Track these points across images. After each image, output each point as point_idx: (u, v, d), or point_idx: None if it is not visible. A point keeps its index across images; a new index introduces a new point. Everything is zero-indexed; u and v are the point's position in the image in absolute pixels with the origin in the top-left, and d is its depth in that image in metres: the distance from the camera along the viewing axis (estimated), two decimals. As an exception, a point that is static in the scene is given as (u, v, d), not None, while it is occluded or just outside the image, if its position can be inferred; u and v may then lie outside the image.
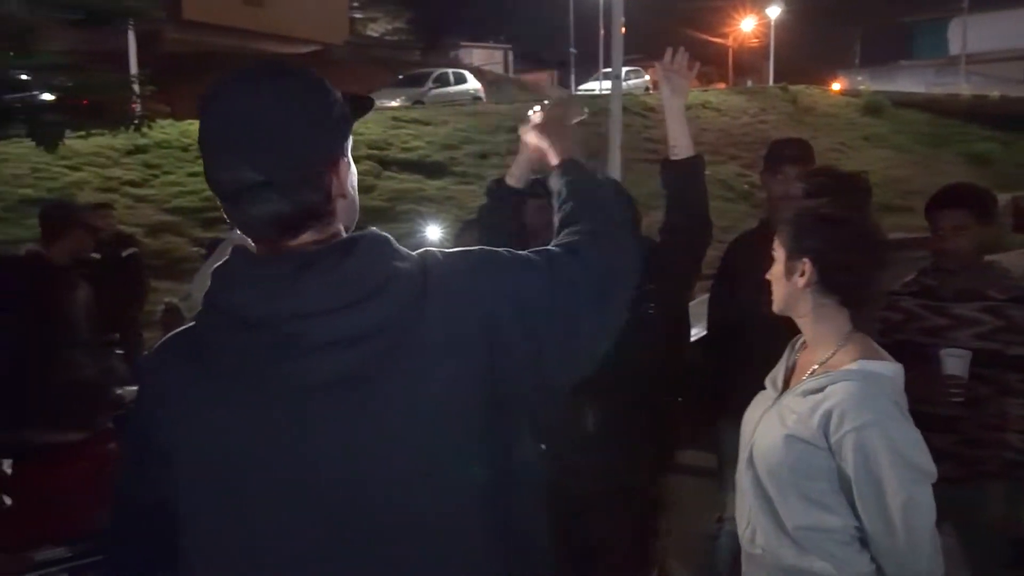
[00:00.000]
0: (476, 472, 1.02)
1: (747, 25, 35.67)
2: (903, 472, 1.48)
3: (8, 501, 1.75)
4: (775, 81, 27.76)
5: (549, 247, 1.17)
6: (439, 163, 13.17)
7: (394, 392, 0.98)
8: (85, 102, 6.99)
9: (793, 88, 24.01)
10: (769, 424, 1.66)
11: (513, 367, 1.04)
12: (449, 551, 1.00)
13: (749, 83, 29.69)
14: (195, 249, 9.00)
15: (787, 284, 1.67)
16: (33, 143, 7.19)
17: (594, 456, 2.24)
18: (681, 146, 2.21)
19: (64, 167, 10.49)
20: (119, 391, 3.55)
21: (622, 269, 1.20)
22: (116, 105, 7.24)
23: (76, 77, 7.00)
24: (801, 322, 1.70)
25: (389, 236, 1.07)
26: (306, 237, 1.03)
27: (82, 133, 7.87)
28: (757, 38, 35.46)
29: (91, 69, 7.12)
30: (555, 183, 1.37)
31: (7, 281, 2.83)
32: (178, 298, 6.49)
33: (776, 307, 1.72)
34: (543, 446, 2.32)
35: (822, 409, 1.55)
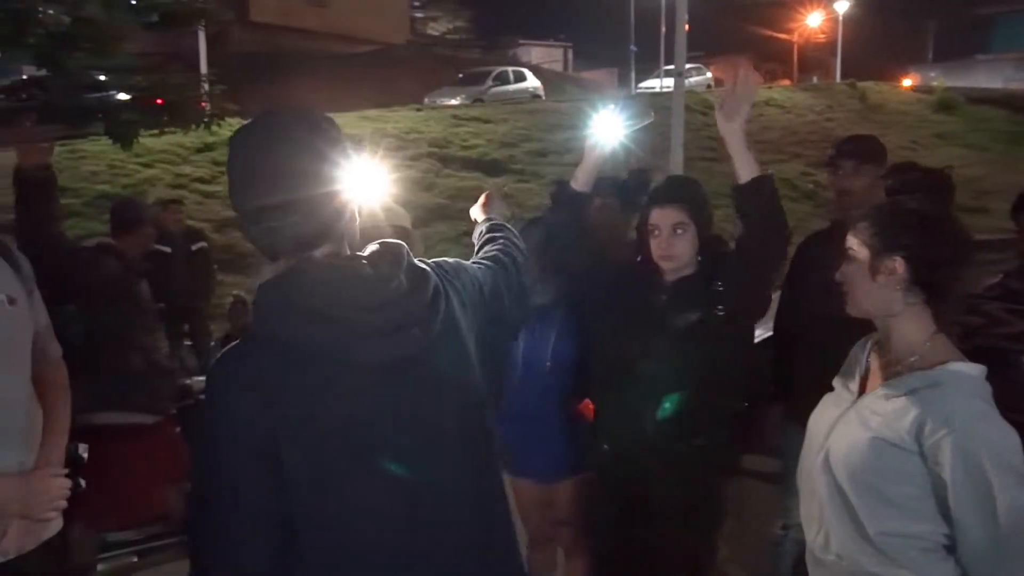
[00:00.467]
0: (479, 406, 1.41)
1: (813, 20, 34.77)
2: (1006, 475, 1.42)
3: (83, 484, 1.84)
4: (842, 78, 26.99)
5: (480, 260, 1.64)
6: (498, 161, 13.22)
7: (438, 364, 1.31)
8: (159, 101, 7.25)
9: (861, 85, 23.29)
10: (847, 427, 1.60)
11: (486, 327, 1.47)
12: (467, 461, 1.37)
13: (815, 80, 28.94)
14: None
15: (872, 284, 1.60)
16: (110, 141, 7.51)
17: (656, 459, 2.22)
18: (743, 170, 2.13)
19: (138, 164, 10.89)
20: (187, 380, 3.69)
21: (514, 270, 1.67)
22: (187, 104, 7.49)
23: (150, 78, 7.28)
24: (884, 322, 1.63)
25: (404, 244, 1.35)
26: (323, 251, 1.27)
27: (155, 131, 8.17)
28: (824, 33, 34.54)
29: (164, 70, 7.38)
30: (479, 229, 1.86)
31: (83, 270, 2.97)
32: (244, 291, 6.69)
33: (855, 308, 1.65)
34: (605, 446, 2.33)
35: (913, 412, 1.49)
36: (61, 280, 2.77)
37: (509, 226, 1.82)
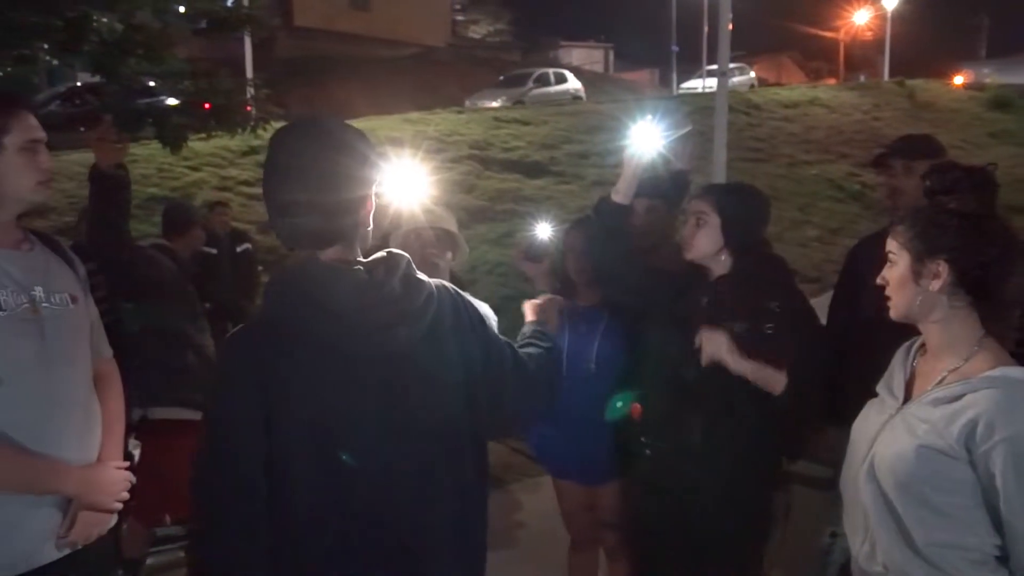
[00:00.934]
0: (457, 414, 1.51)
1: (860, 18, 34.09)
2: None
3: (134, 478, 1.90)
4: (890, 76, 26.38)
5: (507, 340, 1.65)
6: (538, 163, 13.21)
7: (420, 366, 1.43)
8: (206, 106, 7.41)
9: (910, 83, 22.75)
10: (893, 434, 1.56)
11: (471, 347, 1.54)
12: (437, 460, 1.48)
13: (862, 78, 28.36)
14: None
15: (915, 288, 1.56)
16: (159, 144, 7.69)
17: (701, 465, 2.20)
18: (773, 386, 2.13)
19: (186, 167, 11.15)
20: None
21: (532, 370, 1.65)
22: (234, 109, 7.64)
23: (199, 83, 7.45)
24: (929, 327, 1.59)
25: (406, 256, 1.47)
26: (332, 252, 1.41)
27: (202, 135, 8.35)
28: (871, 31, 33.85)
29: (212, 75, 7.55)
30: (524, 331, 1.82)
31: (143, 269, 3.07)
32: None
33: (898, 313, 1.61)
34: (648, 451, 2.31)
35: (963, 419, 1.45)
36: (123, 277, 2.87)
37: (553, 339, 1.79)
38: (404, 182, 2.13)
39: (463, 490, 1.51)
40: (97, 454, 1.80)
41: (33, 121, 1.71)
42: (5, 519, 1.62)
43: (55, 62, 7.14)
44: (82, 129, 11.60)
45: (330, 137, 1.38)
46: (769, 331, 2.16)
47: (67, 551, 1.71)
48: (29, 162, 1.69)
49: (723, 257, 2.26)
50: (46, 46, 6.15)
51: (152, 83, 7.84)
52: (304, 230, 1.39)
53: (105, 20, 6.64)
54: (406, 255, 1.47)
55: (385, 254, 1.45)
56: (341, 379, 1.38)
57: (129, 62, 6.65)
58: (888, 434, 1.58)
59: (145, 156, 10.99)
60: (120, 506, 1.82)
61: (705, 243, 2.26)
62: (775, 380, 2.10)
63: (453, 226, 2.42)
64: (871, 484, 1.57)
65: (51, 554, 1.69)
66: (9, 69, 6.13)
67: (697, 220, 2.26)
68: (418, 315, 1.43)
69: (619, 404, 2.52)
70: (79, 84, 14.25)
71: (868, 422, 1.66)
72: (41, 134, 1.72)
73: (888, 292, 1.62)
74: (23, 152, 1.67)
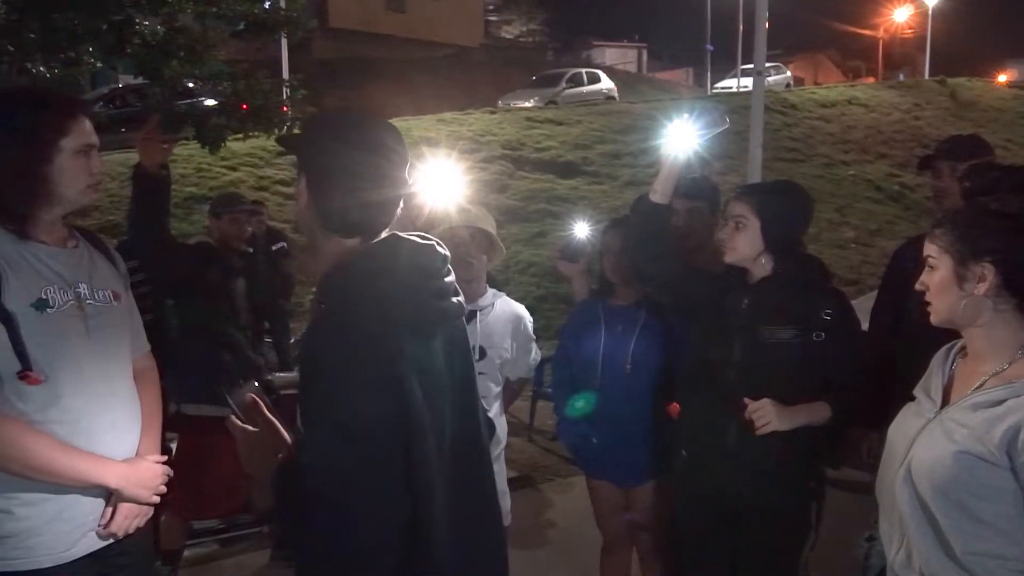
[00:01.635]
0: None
1: (901, 15, 33.44)
2: None
3: (171, 473, 1.94)
4: (931, 74, 25.84)
5: None
6: (571, 163, 13.19)
7: (463, 335, 1.55)
8: (244, 107, 7.53)
9: (952, 81, 22.27)
10: (931, 439, 1.52)
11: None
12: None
13: (901, 77, 27.82)
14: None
15: (959, 292, 1.52)
16: (198, 144, 7.85)
17: (736, 469, 2.18)
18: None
19: (224, 167, 11.34)
20: (269, 376, 3.82)
21: None
22: (271, 109, 7.76)
23: (237, 84, 7.57)
24: (972, 331, 1.55)
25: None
26: (385, 233, 1.46)
27: (240, 135, 8.49)
28: (912, 28, 33.21)
29: (251, 76, 7.67)
30: None
31: (186, 268, 3.13)
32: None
33: (940, 319, 1.57)
34: (684, 452, 2.30)
35: (1005, 424, 1.41)
36: (165, 276, 2.93)
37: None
38: (438, 182, 2.14)
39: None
40: (136, 448, 1.84)
41: (89, 126, 1.75)
42: (50, 510, 1.67)
43: (99, 64, 7.33)
44: (123, 130, 11.88)
45: (386, 133, 1.46)
46: (818, 339, 2.13)
47: (108, 541, 1.76)
48: (83, 165, 1.73)
49: (763, 260, 2.22)
50: (92, 49, 6.31)
51: (192, 84, 8.00)
52: (373, 218, 1.43)
53: (148, 23, 6.79)
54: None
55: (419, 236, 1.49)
56: (437, 351, 1.43)
57: (171, 64, 6.80)
58: (926, 438, 1.54)
59: (184, 156, 11.19)
60: (158, 499, 1.85)
61: (744, 246, 2.22)
62: (823, 411, 2.11)
63: (490, 226, 2.43)
64: (908, 489, 1.53)
65: (92, 544, 1.74)
66: (56, 71, 6.30)
67: (736, 223, 2.22)
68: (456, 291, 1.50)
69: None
70: (121, 86, 14.57)
71: (905, 426, 1.62)
72: (95, 139, 1.76)
73: (928, 297, 1.59)
74: (78, 155, 1.71)
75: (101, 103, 13.38)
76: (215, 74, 7.40)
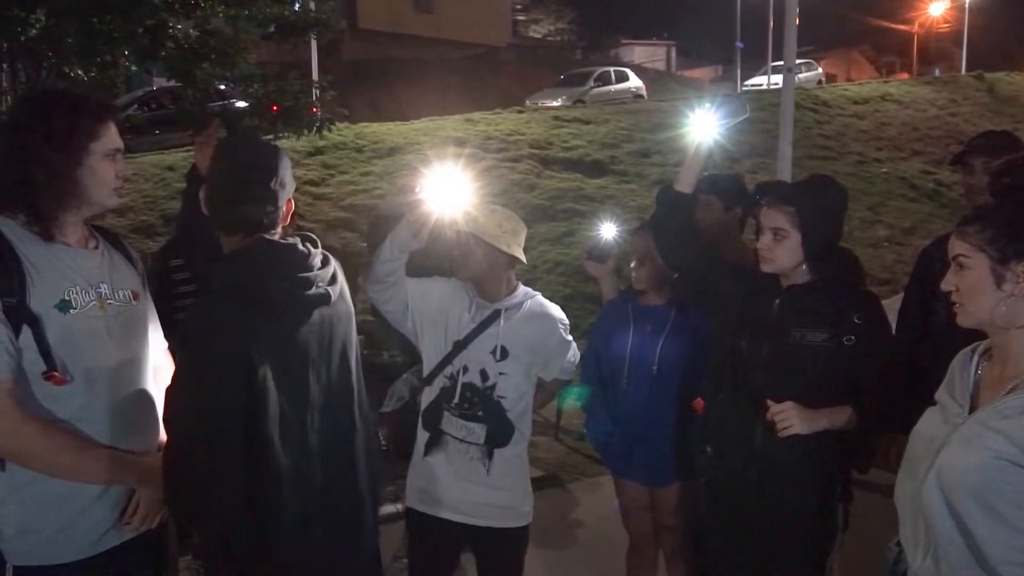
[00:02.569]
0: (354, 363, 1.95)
1: (936, 9, 32.80)
2: None
3: None
4: (968, 69, 25.32)
5: None
6: (599, 162, 13.14)
7: (337, 322, 1.86)
8: (274, 108, 7.62)
9: (990, 76, 21.79)
10: (962, 445, 1.47)
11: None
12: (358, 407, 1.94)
13: (937, 72, 27.30)
14: (364, 245, 9.55)
15: (997, 293, 1.46)
16: (230, 146, 7.95)
17: (762, 469, 2.16)
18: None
19: (255, 168, 11.48)
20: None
21: None
22: (301, 110, 7.84)
23: (268, 85, 7.67)
24: (1008, 334, 1.49)
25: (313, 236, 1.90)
26: (275, 232, 1.81)
27: (270, 136, 8.60)
28: (948, 23, 32.57)
29: (281, 78, 7.76)
30: None
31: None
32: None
33: (972, 320, 1.52)
34: (708, 449, 2.28)
35: None
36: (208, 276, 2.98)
37: None
38: (449, 189, 2.15)
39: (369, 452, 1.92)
40: (157, 444, 1.86)
41: (115, 130, 1.79)
42: (74, 507, 1.70)
43: (135, 67, 7.48)
44: (157, 132, 12.08)
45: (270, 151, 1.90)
46: (849, 343, 2.10)
47: (130, 536, 1.78)
48: (110, 169, 1.76)
49: (803, 268, 2.17)
50: (127, 52, 6.44)
51: (223, 87, 8.12)
52: (254, 219, 1.76)
53: (181, 26, 6.91)
54: (312, 236, 1.88)
55: (305, 234, 1.86)
56: (298, 335, 1.74)
57: (203, 66, 6.92)
58: (956, 444, 1.49)
59: (216, 157, 11.35)
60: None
61: (784, 258, 2.14)
62: (847, 416, 2.07)
63: (494, 231, 2.37)
64: (936, 496, 1.48)
65: (114, 539, 1.76)
66: (93, 74, 6.44)
67: (775, 234, 2.14)
68: (332, 282, 1.84)
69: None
70: (155, 88, 14.82)
71: (930, 432, 1.57)
72: (120, 143, 1.80)
73: (958, 298, 1.53)
74: (106, 159, 1.75)
75: (136, 105, 13.61)
76: (246, 76, 7.51)
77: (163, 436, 1.90)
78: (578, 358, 2.58)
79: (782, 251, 2.13)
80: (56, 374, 1.65)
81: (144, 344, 1.89)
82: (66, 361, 1.67)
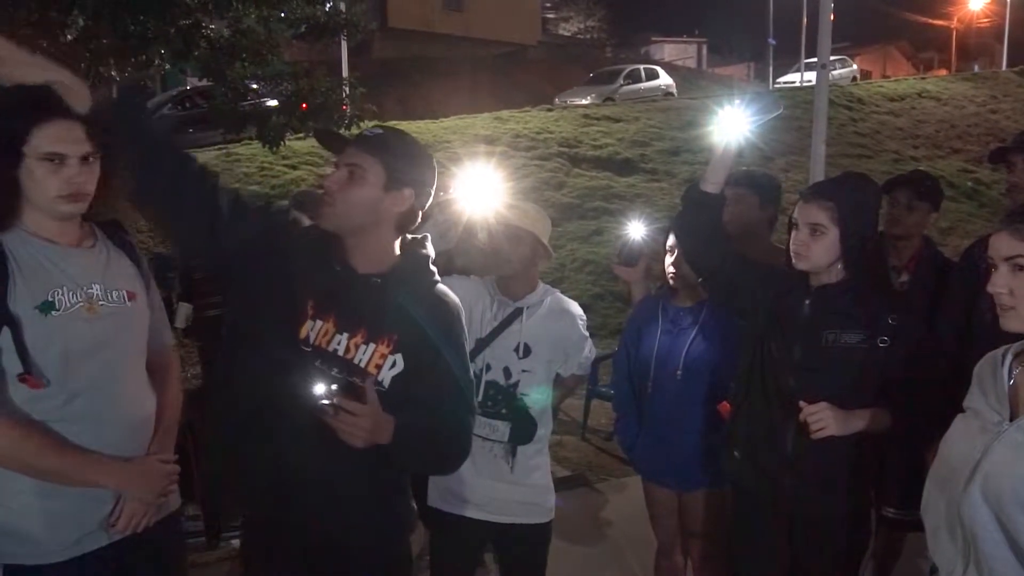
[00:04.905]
0: None
1: (976, 3, 32.07)
2: None
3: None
4: (1009, 65, 24.71)
5: None
6: (629, 160, 13.07)
7: None
8: (304, 106, 7.70)
9: (1032, 72, 21.27)
10: (1010, 453, 1.40)
11: None
12: None
13: (976, 68, 26.70)
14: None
15: None
16: (260, 144, 8.06)
17: (794, 473, 2.12)
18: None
19: (284, 166, 11.59)
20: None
21: None
22: (330, 108, 7.91)
23: (299, 83, 7.74)
24: None
25: None
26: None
27: (300, 134, 8.68)
28: (988, 17, 31.83)
29: (311, 76, 7.84)
30: None
31: None
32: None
33: (1020, 323, 1.46)
34: (736, 454, 2.24)
35: None
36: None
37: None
38: (479, 188, 2.14)
39: None
40: (147, 447, 1.83)
41: (61, 134, 1.69)
42: (53, 507, 1.68)
43: (168, 67, 7.60)
44: (191, 131, 12.26)
45: None
46: (883, 344, 2.04)
47: (117, 538, 1.75)
48: (48, 174, 1.68)
49: (837, 267, 2.11)
50: (162, 52, 6.54)
51: (254, 85, 8.22)
52: None
53: (214, 27, 7.01)
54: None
55: None
56: None
57: (236, 66, 7.01)
58: (1002, 453, 1.42)
59: (247, 155, 11.48)
60: (163, 500, 1.82)
61: (820, 255, 2.09)
62: (883, 418, 2.02)
63: (530, 224, 2.36)
64: (982, 509, 1.41)
65: (100, 540, 1.74)
66: (128, 73, 6.55)
67: (812, 230, 2.08)
68: None
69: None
70: (189, 88, 15.05)
71: (967, 440, 1.49)
72: (66, 149, 1.69)
73: (1009, 302, 1.46)
74: (43, 163, 1.68)
75: (170, 104, 13.82)
76: (277, 74, 7.59)
77: (162, 439, 1.86)
78: (594, 354, 2.58)
79: (819, 247, 2.08)
80: (31, 377, 1.62)
81: (138, 345, 1.85)
82: (43, 363, 1.64)
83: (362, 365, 1.67)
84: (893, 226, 2.91)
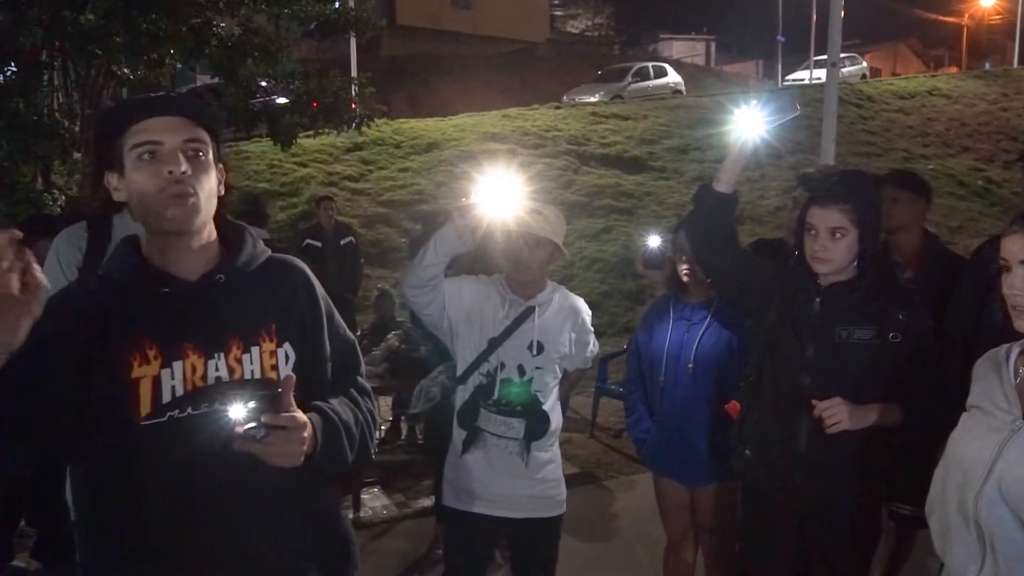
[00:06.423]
0: None
1: (987, 0, 31.86)
2: None
3: None
4: (1020, 62, 24.56)
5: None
6: (637, 158, 13.06)
7: None
8: (315, 105, 7.73)
9: (1044, 70, 21.14)
10: (1021, 452, 1.39)
11: None
12: None
13: (987, 65, 26.53)
14: (403, 240, 9.63)
15: None
16: (271, 142, 8.10)
17: (807, 471, 2.13)
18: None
19: (294, 163, 11.64)
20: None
21: None
22: (340, 107, 7.95)
23: (309, 82, 7.78)
24: None
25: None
26: None
27: (310, 132, 8.71)
28: (999, 14, 31.61)
29: (322, 75, 7.87)
30: None
31: None
32: (389, 284, 7.00)
33: None
34: (747, 452, 2.25)
35: None
36: None
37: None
38: (498, 193, 2.14)
39: None
40: None
41: None
42: None
43: (179, 65, 7.64)
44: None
45: None
46: (895, 340, 2.05)
47: None
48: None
49: (852, 265, 2.11)
50: (173, 51, 6.58)
51: (265, 84, 8.26)
52: None
53: (224, 25, 7.05)
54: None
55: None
56: None
57: (246, 64, 7.05)
58: (1017, 451, 1.40)
59: (257, 153, 11.54)
60: None
61: (844, 257, 2.08)
62: (896, 413, 2.03)
63: (549, 230, 2.37)
64: (999, 509, 1.40)
65: None
66: (140, 72, 6.60)
67: (834, 233, 2.06)
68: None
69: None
70: (199, 85, 15.12)
71: (978, 440, 1.48)
72: None
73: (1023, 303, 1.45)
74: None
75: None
76: (287, 73, 7.64)
77: None
78: (598, 348, 2.60)
79: (840, 250, 2.07)
80: None
81: None
82: None
83: (257, 376, 1.35)
84: (886, 220, 2.92)
